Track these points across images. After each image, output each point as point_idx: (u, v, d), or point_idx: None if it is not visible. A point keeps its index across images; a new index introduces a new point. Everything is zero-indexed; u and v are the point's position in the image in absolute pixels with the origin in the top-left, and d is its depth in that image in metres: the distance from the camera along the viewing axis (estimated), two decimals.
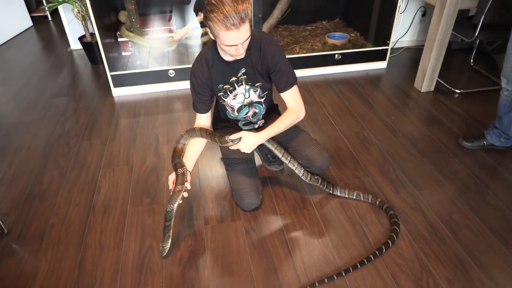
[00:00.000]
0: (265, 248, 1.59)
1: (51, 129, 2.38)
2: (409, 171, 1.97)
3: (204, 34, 3.14)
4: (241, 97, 1.66)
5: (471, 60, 3.01)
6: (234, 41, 1.36)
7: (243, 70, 1.58)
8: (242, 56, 1.46)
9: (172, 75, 2.73)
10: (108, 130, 2.35)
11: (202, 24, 2.99)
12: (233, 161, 1.76)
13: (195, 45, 3.02)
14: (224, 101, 1.67)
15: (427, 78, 2.61)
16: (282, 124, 1.58)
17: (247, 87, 1.63)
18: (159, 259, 1.55)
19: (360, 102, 2.59)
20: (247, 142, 1.53)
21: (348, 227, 1.67)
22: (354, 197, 1.80)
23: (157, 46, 2.90)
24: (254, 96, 1.67)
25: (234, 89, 1.62)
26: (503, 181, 1.89)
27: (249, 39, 1.40)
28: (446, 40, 2.47)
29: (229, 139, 1.52)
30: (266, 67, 1.57)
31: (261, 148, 1.92)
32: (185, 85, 2.78)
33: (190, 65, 2.68)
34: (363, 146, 2.16)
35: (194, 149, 1.68)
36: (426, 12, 3.21)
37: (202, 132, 1.61)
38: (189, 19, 3.06)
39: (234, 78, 1.59)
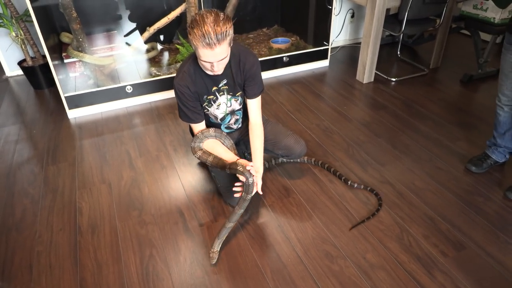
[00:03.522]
0: (262, 237, 1.69)
1: (8, 159, 2.24)
2: (370, 151, 2.21)
3: (150, 50, 3.16)
4: (223, 107, 1.76)
5: (398, 52, 3.43)
6: (209, 59, 1.45)
7: (224, 81, 1.69)
8: (219, 73, 1.56)
9: (130, 91, 2.71)
10: (73, 152, 2.27)
11: (147, 41, 3.02)
12: None
13: (141, 61, 3.03)
14: (208, 110, 1.75)
15: (367, 71, 2.93)
16: (262, 144, 1.76)
17: (229, 96, 1.74)
18: (163, 266, 1.57)
19: (313, 97, 2.82)
20: (259, 180, 1.65)
21: (331, 206, 1.84)
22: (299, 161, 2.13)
23: (109, 63, 2.86)
24: (235, 105, 1.78)
25: (217, 98, 1.72)
26: (447, 148, 2.22)
27: (226, 59, 1.50)
28: (379, 36, 2.80)
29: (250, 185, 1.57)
30: (244, 77, 1.69)
31: (238, 148, 2.02)
32: (145, 99, 2.79)
33: (146, 80, 2.72)
34: (326, 135, 2.37)
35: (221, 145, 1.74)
36: (354, 14, 3.58)
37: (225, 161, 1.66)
38: (135, 34, 3.06)
39: (215, 88, 1.69)
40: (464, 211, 1.80)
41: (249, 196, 1.58)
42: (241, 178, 1.58)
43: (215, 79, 1.67)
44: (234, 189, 1.66)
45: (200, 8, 2.89)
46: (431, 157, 2.15)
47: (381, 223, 1.74)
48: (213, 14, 1.41)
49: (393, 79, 3.01)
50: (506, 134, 1.93)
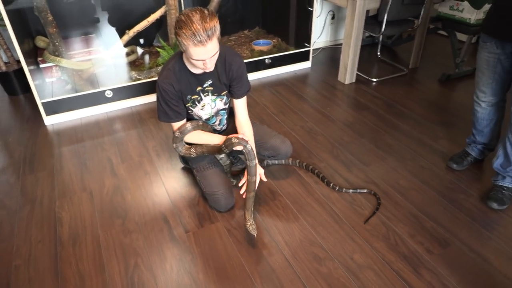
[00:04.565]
0: (250, 241, 1.67)
1: None
2: (355, 151, 2.23)
3: (130, 53, 3.10)
4: (208, 108, 1.74)
5: (378, 53, 3.48)
6: (202, 56, 1.43)
7: (209, 82, 1.67)
8: (211, 69, 1.54)
9: (110, 96, 2.65)
10: (51, 160, 2.20)
11: (127, 44, 2.96)
12: (203, 167, 1.82)
13: (122, 65, 2.97)
14: (192, 111, 1.73)
15: (348, 72, 2.96)
16: (252, 134, 1.78)
17: (213, 97, 1.72)
18: (149, 275, 1.53)
19: (296, 99, 2.82)
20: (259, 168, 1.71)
21: (317, 208, 1.84)
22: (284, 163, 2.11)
23: (87, 67, 2.78)
24: (220, 104, 1.77)
25: (201, 99, 1.70)
26: (429, 146, 2.25)
27: (217, 54, 1.50)
28: (360, 37, 2.83)
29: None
30: (230, 78, 1.69)
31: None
32: (125, 104, 2.73)
33: (126, 84, 2.66)
34: (310, 136, 2.37)
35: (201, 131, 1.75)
36: (335, 15, 3.61)
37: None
38: (114, 38, 2.99)
39: (199, 88, 1.66)
40: (448, 208, 1.82)
41: (254, 161, 1.62)
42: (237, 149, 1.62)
43: (200, 79, 1.65)
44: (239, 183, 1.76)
45: (180, 10, 2.86)
46: (414, 156, 2.18)
47: (367, 223, 1.74)
48: (198, 11, 1.40)
49: (374, 80, 3.05)
50: (484, 131, 1.97)
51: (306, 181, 2.00)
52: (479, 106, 1.92)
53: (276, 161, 2.07)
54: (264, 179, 1.75)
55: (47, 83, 2.70)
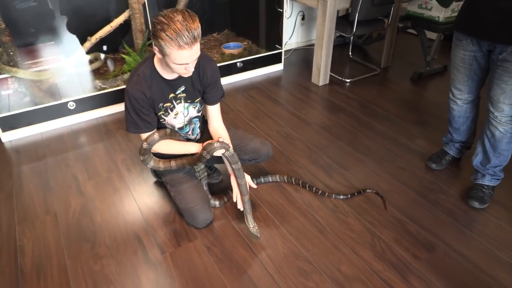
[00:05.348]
0: (231, 258, 1.58)
1: None
2: (333, 155, 2.18)
3: (94, 60, 2.93)
4: (181, 117, 1.63)
5: (350, 53, 3.47)
6: (186, 60, 1.33)
7: (182, 88, 1.56)
8: (190, 73, 1.44)
9: (73, 107, 2.48)
10: (9, 181, 2.02)
11: (89, 51, 2.79)
12: (177, 181, 1.70)
13: (85, 74, 2.80)
14: (165, 120, 1.61)
15: (322, 73, 2.92)
16: (229, 137, 1.69)
17: (186, 104, 1.61)
18: None
19: (271, 102, 2.75)
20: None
21: (300, 217, 1.77)
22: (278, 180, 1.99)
23: (47, 77, 2.59)
24: (193, 112, 1.66)
25: (174, 107, 1.59)
26: (406, 147, 2.24)
27: (198, 56, 1.40)
28: (332, 38, 2.80)
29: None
30: (204, 84, 1.59)
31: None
32: (90, 115, 2.56)
33: (91, 94, 2.51)
34: (287, 142, 2.31)
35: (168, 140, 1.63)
36: (305, 16, 3.57)
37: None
38: (75, 45, 2.81)
39: (172, 95, 1.56)
40: (430, 210, 1.80)
41: (239, 164, 1.59)
42: (219, 154, 1.55)
43: (173, 85, 1.54)
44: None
45: (145, 14, 2.72)
46: (392, 157, 2.16)
47: (352, 231, 1.69)
48: (178, 12, 1.29)
49: (348, 80, 3.03)
50: (461, 128, 1.97)
51: (286, 189, 1.93)
52: (455, 104, 1.91)
53: (270, 179, 1.97)
54: (254, 186, 1.73)
55: (3, 96, 2.50)
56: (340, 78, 3.06)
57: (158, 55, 1.38)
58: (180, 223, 1.74)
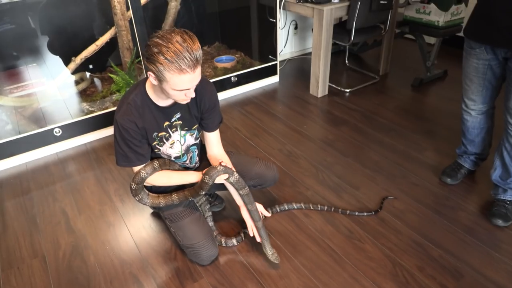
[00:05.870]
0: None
1: None
2: (341, 173, 2.05)
3: (80, 81, 2.78)
4: (177, 146, 1.48)
5: (346, 61, 3.36)
6: (187, 85, 1.20)
7: (178, 115, 1.42)
8: (189, 100, 1.30)
9: (59, 134, 2.31)
10: None
11: (74, 72, 2.64)
12: (177, 216, 1.55)
13: (71, 96, 2.64)
14: (160, 149, 1.47)
15: (320, 84, 2.80)
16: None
17: (183, 132, 1.47)
18: None
19: (269, 118, 2.62)
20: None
21: (313, 246, 1.63)
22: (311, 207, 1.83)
23: (30, 103, 2.43)
24: (190, 140, 1.52)
25: (170, 136, 1.44)
26: (416, 160, 2.12)
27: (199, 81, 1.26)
28: (330, 47, 2.69)
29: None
30: (202, 109, 1.45)
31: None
32: (78, 141, 2.39)
33: (78, 119, 2.35)
34: (291, 160, 2.17)
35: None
36: (297, 25, 3.46)
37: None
38: (59, 66, 2.65)
39: (167, 123, 1.41)
40: (451, 230, 1.68)
41: (247, 189, 1.48)
42: (222, 180, 1.43)
43: (168, 113, 1.40)
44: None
45: (132, 31, 2.58)
46: (404, 172, 2.04)
47: (371, 259, 1.56)
48: (176, 32, 1.16)
49: (347, 90, 2.92)
50: (475, 140, 1.86)
51: (295, 215, 1.79)
52: (468, 115, 1.80)
53: (286, 207, 1.82)
54: (268, 214, 1.66)
55: None
56: (339, 88, 2.95)
57: (153, 82, 1.24)
58: (183, 260, 1.59)
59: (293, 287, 1.46)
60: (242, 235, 1.67)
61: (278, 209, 1.81)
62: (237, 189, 1.47)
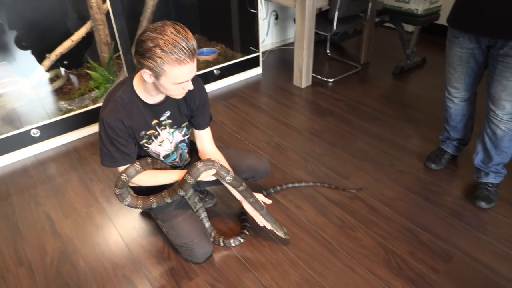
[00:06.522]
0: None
1: None
2: (330, 164, 2.06)
3: (55, 78, 2.66)
4: (167, 144, 1.45)
5: (328, 51, 3.37)
6: (186, 76, 1.17)
7: (167, 114, 1.38)
8: (184, 94, 1.27)
9: (37, 135, 2.22)
10: None
11: (49, 68, 2.52)
12: (169, 215, 1.52)
13: (47, 95, 2.53)
14: (148, 148, 1.42)
15: (304, 75, 2.80)
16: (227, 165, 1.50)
17: (171, 130, 1.43)
18: None
19: (254, 110, 2.60)
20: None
21: (306, 238, 1.64)
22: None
23: (2, 104, 2.31)
24: (178, 137, 1.48)
25: (159, 134, 1.40)
26: (402, 147, 2.16)
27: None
28: (313, 38, 2.68)
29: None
30: (192, 107, 1.42)
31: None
32: (58, 141, 2.30)
33: (56, 118, 2.26)
34: (279, 153, 2.17)
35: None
36: (278, 15, 3.43)
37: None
38: (32, 63, 2.53)
39: (155, 121, 1.37)
40: (438, 214, 1.72)
41: (244, 185, 1.47)
42: (208, 178, 1.38)
43: (156, 110, 1.36)
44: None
45: (110, 25, 2.48)
46: (391, 160, 2.07)
47: (364, 247, 1.58)
48: (167, 24, 1.13)
49: (330, 80, 2.92)
50: (458, 126, 1.90)
51: (287, 207, 1.79)
52: (451, 102, 1.84)
53: (278, 188, 1.88)
54: (268, 201, 1.59)
55: None
56: (323, 78, 2.95)
57: (148, 79, 1.19)
58: (177, 259, 1.57)
59: (290, 279, 1.46)
60: (246, 232, 1.64)
61: (272, 190, 1.87)
62: (234, 187, 1.45)
